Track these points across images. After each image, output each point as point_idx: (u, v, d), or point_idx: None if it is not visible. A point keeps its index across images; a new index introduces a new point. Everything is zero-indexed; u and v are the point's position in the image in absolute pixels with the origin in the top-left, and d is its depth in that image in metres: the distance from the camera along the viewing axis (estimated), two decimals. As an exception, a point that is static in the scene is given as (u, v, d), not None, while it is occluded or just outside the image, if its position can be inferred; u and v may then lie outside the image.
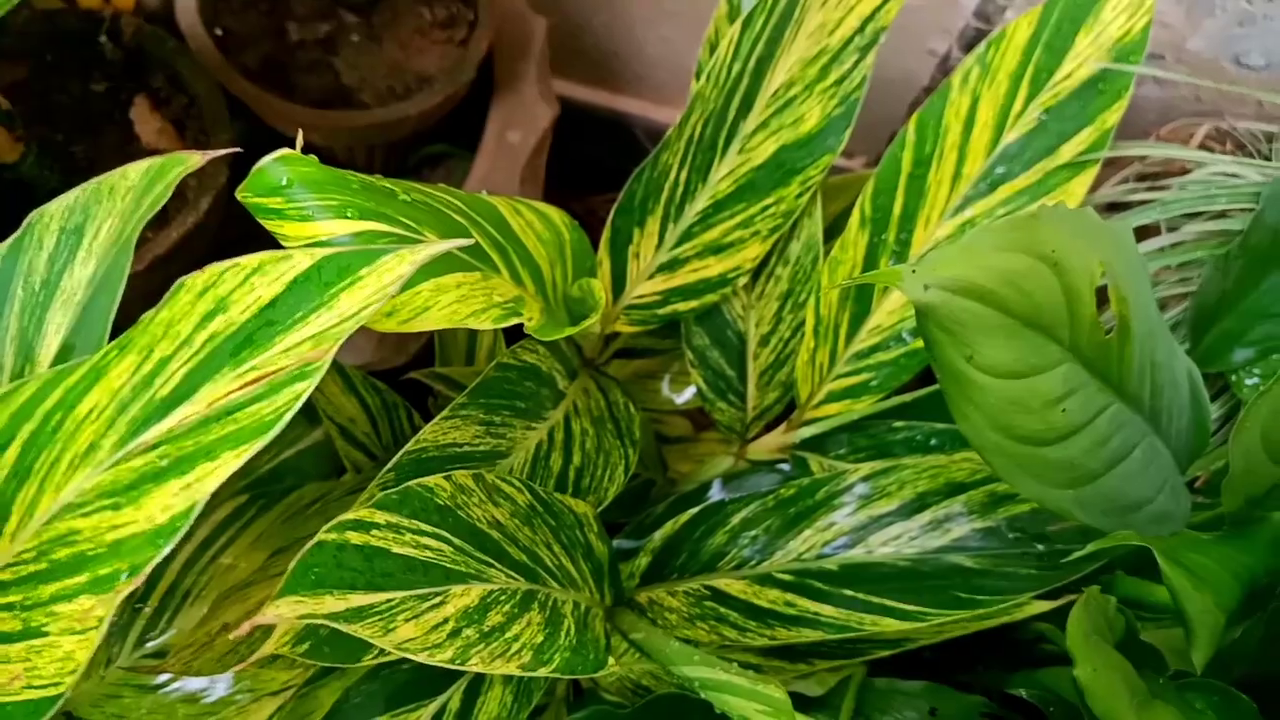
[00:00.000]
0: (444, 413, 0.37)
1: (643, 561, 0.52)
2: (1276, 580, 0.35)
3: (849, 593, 0.48)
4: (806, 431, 0.56)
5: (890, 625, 0.46)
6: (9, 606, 0.27)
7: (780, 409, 0.58)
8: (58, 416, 0.27)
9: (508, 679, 0.49)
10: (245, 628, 0.28)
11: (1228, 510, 0.35)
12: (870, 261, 0.53)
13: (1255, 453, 0.34)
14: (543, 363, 0.44)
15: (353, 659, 0.33)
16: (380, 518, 0.31)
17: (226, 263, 0.26)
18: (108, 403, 0.26)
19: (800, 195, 0.50)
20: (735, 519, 0.51)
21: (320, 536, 0.30)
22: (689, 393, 0.61)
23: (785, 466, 0.58)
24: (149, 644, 0.51)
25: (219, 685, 0.50)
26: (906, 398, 0.54)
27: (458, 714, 0.47)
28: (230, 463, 0.25)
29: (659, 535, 0.52)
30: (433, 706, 0.46)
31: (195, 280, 0.26)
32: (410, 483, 0.32)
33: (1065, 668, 0.47)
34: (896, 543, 0.49)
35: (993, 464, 0.34)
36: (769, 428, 0.59)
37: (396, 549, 0.31)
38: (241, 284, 0.26)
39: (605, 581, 0.48)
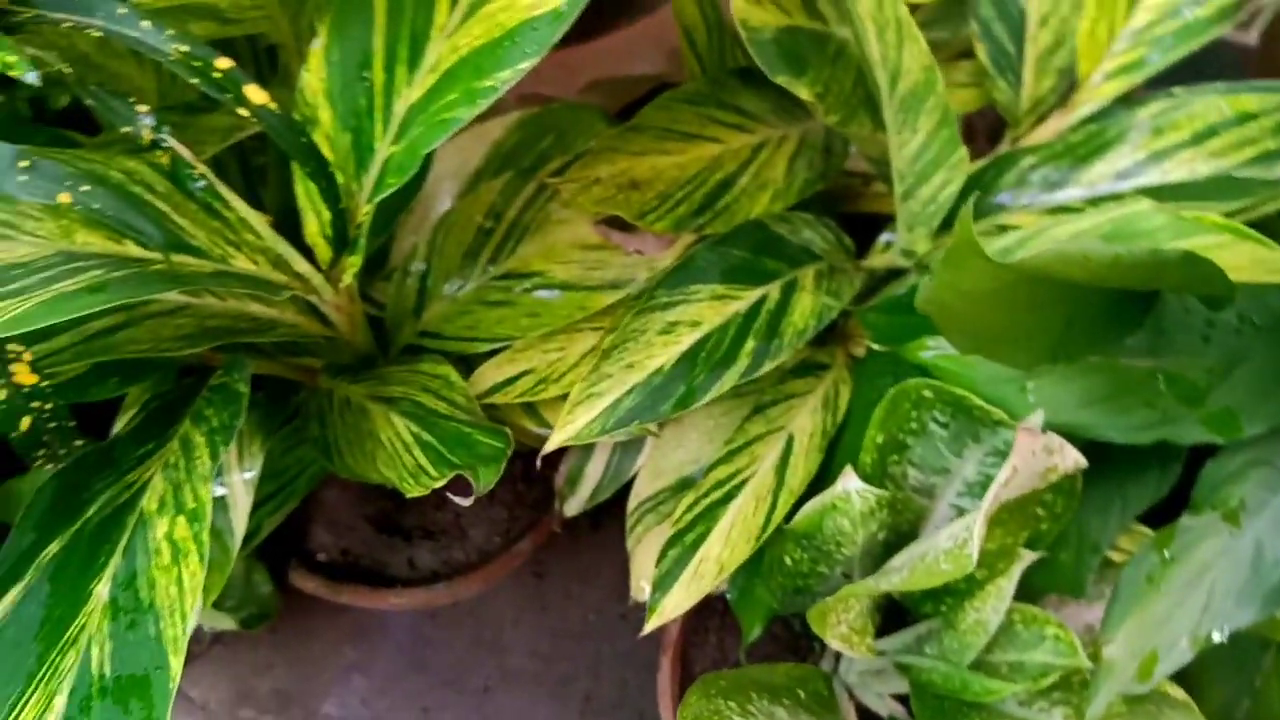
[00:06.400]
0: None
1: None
2: None
3: (1146, 204, 0.51)
4: (1085, 110, 0.59)
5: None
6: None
7: (1054, 100, 0.62)
8: None
9: (818, 285, 0.54)
10: None
11: None
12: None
13: None
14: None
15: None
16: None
17: None
18: None
19: None
20: (1024, 161, 0.55)
21: None
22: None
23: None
24: (491, 269, 0.58)
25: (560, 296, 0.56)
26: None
27: (778, 302, 0.52)
28: None
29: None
30: (757, 291, 0.52)
31: None
32: None
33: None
34: (1190, 165, 0.52)
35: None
36: (1041, 121, 0.62)
37: None
38: None
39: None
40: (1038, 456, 0.41)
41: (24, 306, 0.32)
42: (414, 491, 0.45)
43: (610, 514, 0.70)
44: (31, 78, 0.35)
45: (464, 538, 0.73)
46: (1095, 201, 0.53)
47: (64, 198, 0.37)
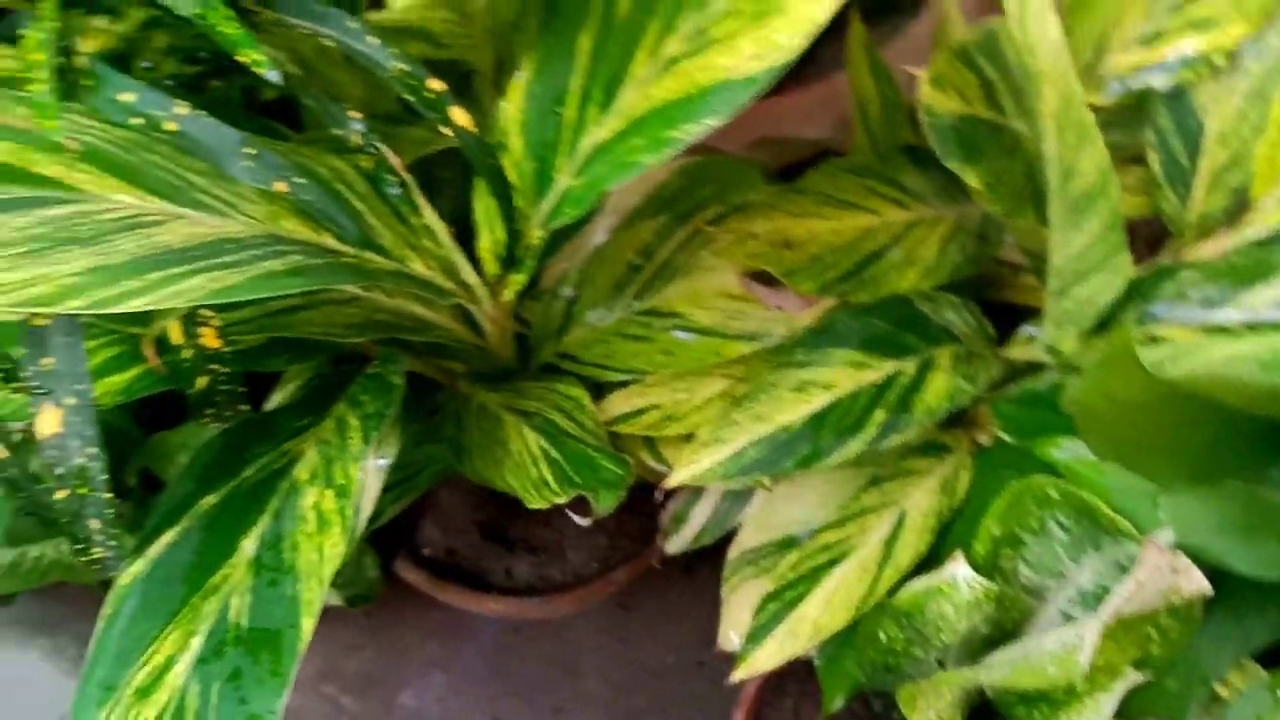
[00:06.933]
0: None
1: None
2: None
3: (1309, 339, 0.50)
4: (1253, 233, 0.58)
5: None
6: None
7: (1222, 217, 0.61)
8: None
9: (954, 367, 0.54)
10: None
11: None
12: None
13: None
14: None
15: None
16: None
17: None
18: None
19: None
20: (1185, 275, 0.54)
21: None
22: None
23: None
24: (635, 304, 0.60)
25: (697, 339, 0.58)
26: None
27: (913, 378, 0.53)
28: None
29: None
30: (894, 364, 0.53)
31: None
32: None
33: None
34: (1362, 304, 0.51)
35: None
36: (1206, 237, 0.61)
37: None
38: None
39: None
40: (1162, 574, 0.40)
41: (235, 279, 0.36)
42: (535, 503, 0.47)
43: (704, 560, 0.71)
44: (273, 76, 0.39)
45: (563, 558, 0.75)
46: (1254, 327, 0.52)
47: (280, 186, 0.41)
